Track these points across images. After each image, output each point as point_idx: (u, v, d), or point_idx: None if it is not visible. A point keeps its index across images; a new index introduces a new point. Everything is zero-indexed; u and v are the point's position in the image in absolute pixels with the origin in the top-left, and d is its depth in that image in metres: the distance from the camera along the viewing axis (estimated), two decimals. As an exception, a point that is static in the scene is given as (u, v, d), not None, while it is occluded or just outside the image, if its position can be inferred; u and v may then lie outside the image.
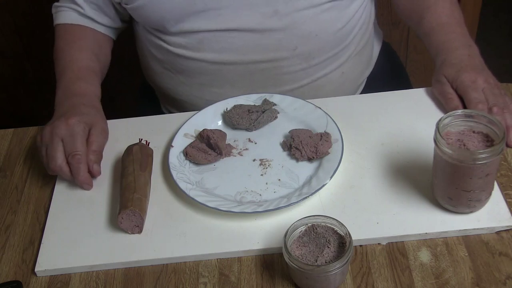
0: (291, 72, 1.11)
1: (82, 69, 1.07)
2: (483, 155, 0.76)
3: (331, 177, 0.89)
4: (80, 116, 0.96)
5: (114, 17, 1.15)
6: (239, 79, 1.11)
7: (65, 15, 1.13)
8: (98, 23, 1.14)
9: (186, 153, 0.97)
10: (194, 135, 1.01)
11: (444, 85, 0.98)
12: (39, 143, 0.96)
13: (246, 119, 1.01)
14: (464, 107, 0.95)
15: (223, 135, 0.99)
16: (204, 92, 1.14)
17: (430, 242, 0.83)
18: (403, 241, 0.84)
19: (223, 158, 0.97)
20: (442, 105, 0.99)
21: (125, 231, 0.87)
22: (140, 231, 0.87)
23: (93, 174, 0.93)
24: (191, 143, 0.98)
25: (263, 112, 1.01)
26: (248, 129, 1.01)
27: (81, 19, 1.13)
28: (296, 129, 0.98)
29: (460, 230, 0.83)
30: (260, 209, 0.87)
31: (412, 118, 0.99)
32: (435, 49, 1.04)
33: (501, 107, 0.93)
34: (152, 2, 1.03)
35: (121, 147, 1.02)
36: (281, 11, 1.02)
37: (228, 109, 1.03)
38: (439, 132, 0.79)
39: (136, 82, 1.44)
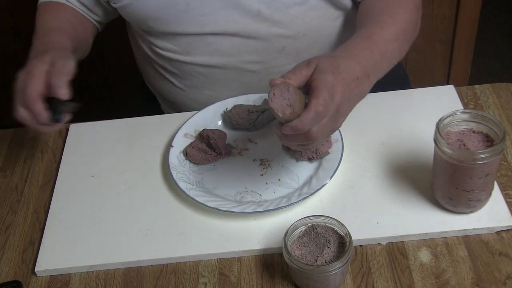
0: (282, 71, 1.09)
1: (51, 29, 1.03)
2: (483, 155, 0.76)
3: (331, 177, 0.89)
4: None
5: (102, 15, 1.13)
6: (230, 81, 1.10)
7: None
8: (84, 9, 1.10)
9: (186, 153, 0.97)
10: (194, 135, 1.00)
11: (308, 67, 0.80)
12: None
13: (246, 119, 1.00)
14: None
15: (223, 135, 0.99)
16: (196, 95, 1.14)
17: (430, 242, 0.83)
18: (403, 241, 0.84)
19: (223, 158, 0.97)
20: (442, 105, 0.99)
21: (275, 111, 0.72)
22: (292, 112, 0.72)
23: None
24: (191, 143, 0.98)
25: (263, 112, 1.01)
26: (248, 129, 1.01)
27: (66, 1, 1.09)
28: (296, 129, 0.98)
29: (460, 230, 0.83)
30: (260, 209, 0.86)
31: (412, 118, 0.99)
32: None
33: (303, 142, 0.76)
34: (137, 0, 1.02)
35: (122, 148, 1.02)
36: (264, 11, 1.00)
37: (228, 109, 1.03)
38: (439, 132, 0.79)
39: (136, 82, 1.44)
